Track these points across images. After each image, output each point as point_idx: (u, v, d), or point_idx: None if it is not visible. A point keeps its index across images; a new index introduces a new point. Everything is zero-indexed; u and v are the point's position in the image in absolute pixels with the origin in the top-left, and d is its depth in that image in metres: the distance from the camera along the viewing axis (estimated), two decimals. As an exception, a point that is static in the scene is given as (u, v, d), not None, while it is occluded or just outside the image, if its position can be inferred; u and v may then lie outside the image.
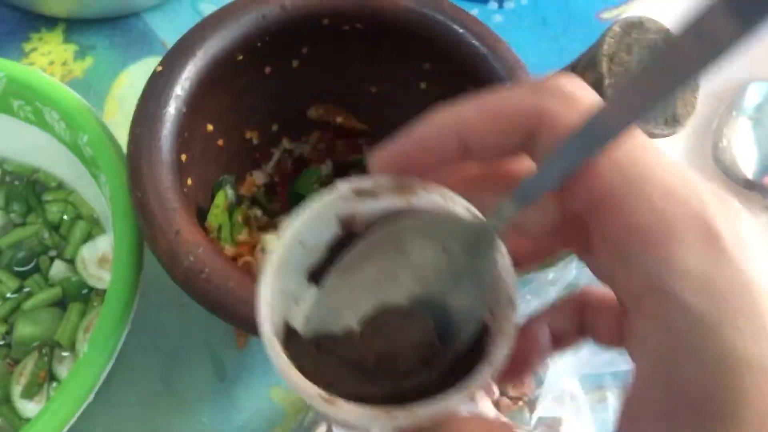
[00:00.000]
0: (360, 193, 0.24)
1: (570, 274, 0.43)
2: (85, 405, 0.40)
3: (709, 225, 0.18)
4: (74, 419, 0.40)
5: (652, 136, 0.25)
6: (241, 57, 0.45)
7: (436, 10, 0.45)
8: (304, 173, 0.52)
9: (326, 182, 0.53)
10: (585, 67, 0.26)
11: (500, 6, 0.70)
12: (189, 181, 0.44)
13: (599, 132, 0.18)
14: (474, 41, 0.44)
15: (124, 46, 0.67)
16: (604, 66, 0.25)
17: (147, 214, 0.37)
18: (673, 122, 0.26)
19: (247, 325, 0.35)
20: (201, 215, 0.45)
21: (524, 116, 0.21)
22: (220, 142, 0.48)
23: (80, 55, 0.67)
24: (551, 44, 0.70)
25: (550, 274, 0.44)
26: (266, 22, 0.44)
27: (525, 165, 0.23)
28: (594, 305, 0.25)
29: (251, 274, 0.44)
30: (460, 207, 0.24)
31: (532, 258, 0.25)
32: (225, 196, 0.46)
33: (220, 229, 0.45)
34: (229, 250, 0.46)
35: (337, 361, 0.23)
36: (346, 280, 0.24)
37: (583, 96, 0.21)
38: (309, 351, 0.24)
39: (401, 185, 0.24)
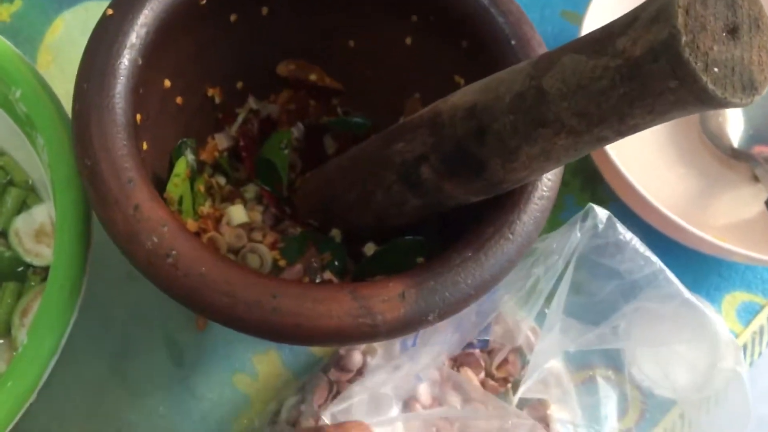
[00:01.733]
0: None
1: (575, 238, 0.39)
2: (25, 407, 0.34)
3: None
4: (12, 424, 0.34)
5: (727, 105, 0.21)
6: (204, 1, 0.38)
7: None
8: (272, 137, 0.47)
9: (297, 146, 0.48)
10: (650, 21, 0.22)
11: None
12: (144, 146, 0.38)
13: None
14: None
15: (58, -13, 0.59)
16: (680, 19, 0.21)
17: (99, 187, 0.31)
18: (751, 89, 0.22)
19: (225, 319, 0.30)
20: (158, 185, 0.39)
21: None
22: (179, 99, 0.42)
23: (6, -4, 0.58)
24: None
25: (554, 243, 0.40)
26: (234, -39, 0.38)
27: None
28: None
29: (222, 254, 0.39)
30: None
31: None
32: (186, 162, 0.41)
33: (180, 201, 0.40)
34: (191, 224, 0.40)
35: None
36: None
37: None
38: None
39: None
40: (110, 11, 0.35)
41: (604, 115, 0.25)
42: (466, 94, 0.31)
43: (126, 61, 0.34)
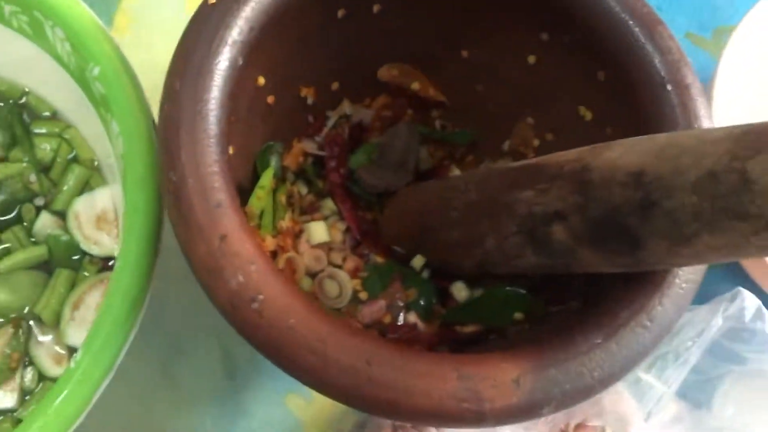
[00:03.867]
0: None
1: (715, 324, 0.34)
2: (73, 429, 0.31)
3: None
4: (57, 448, 0.31)
5: None
6: (312, -5, 0.34)
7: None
8: (362, 147, 0.42)
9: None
10: None
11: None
12: (231, 150, 0.33)
13: None
14: (624, 16, 0.34)
15: (144, -54, 0.54)
16: None
17: (183, 207, 0.27)
18: None
19: (313, 381, 0.26)
20: (240, 196, 0.35)
21: None
22: (270, 99, 0.37)
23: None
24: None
25: (690, 323, 0.34)
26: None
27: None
28: None
29: (315, 305, 0.34)
30: None
31: None
32: (273, 173, 0.36)
33: (261, 214, 0.35)
34: (269, 241, 0.36)
35: None
36: None
37: None
38: None
39: None
40: (213, -1, 0.30)
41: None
42: (629, 154, 0.26)
43: (226, 60, 0.30)
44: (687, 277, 0.29)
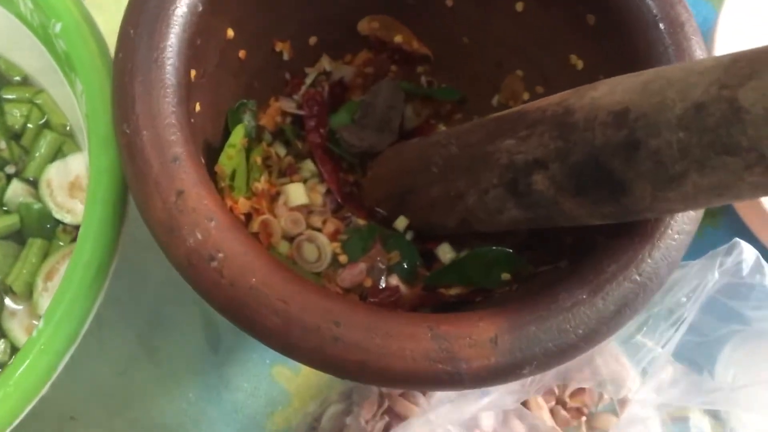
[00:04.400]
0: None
1: (711, 278, 0.32)
2: (33, 402, 0.30)
3: None
4: (18, 419, 0.29)
5: None
6: (284, -63, 0.32)
7: None
8: (343, 105, 0.40)
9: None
10: None
11: None
12: (197, 107, 0.32)
13: None
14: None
15: None
16: None
17: (137, 161, 0.25)
18: None
19: (276, 344, 0.25)
20: (210, 154, 0.33)
21: None
22: (242, 53, 0.35)
23: None
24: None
25: (684, 279, 0.32)
26: None
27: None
28: None
29: (279, 262, 0.32)
30: None
31: None
32: (244, 130, 0.34)
33: (233, 175, 0.34)
34: (242, 203, 0.34)
35: None
36: None
37: None
38: None
39: None
40: (169, -59, 0.28)
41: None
42: (613, 92, 0.24)
43: (184, 5, 0.28)
44: (680, 227, 0.27)
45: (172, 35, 0.27)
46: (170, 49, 0.27)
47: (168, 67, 0.27)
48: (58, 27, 0.35)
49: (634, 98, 0.23)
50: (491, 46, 0.39)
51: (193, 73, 0.30)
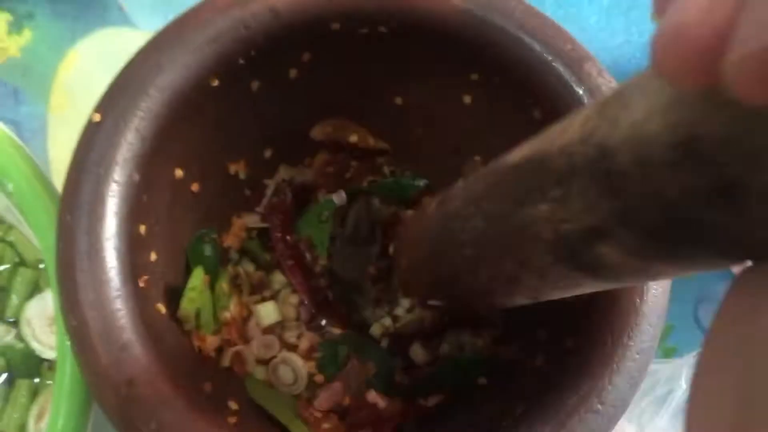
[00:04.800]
0: None
1: (679, 388, 0.31)
2: None
3: None
4: None
5: None
6: (216, 82, 0.32)
7: (497, 11, 0.31)
8: (310, 209, 0.40)
9: (342, 216, 0.40)
10: None
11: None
12: (153, 256, 0.32)
13: None
14: (548, 56, 0.31)
15: (71, 15, 0.52)
16: None
17: (86, 353, 0.26)
18: None
19: None
20: (172, 297, 0.33)
21: None
22: (195, 187, 0.35)
23: (15, 27, 0.52)
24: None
25: (664, 374, 0.31)
26: (251, 34, 0.31)
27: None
28: None
29: None
30: None
31: None
32: (204, 269, 0.34)
33: (198, 315, 0.34)
34: (211, 341, 0.34)
35: None
36: None
37: None
38: None
39: None
40: (97, 116, 0.28)
41: None
42: (658, 111, 0.16)
43: (118, 179, 0.28)
44: (639, 347, 0.27)
45: (108, 215, 0.27)
46: (109, 230, 0.27)
47: (109, 251, 0.27)
48: (10, 187, 0.35)
49: (697, 115, 0.15)
50: (446, 135, 0.39)
51: (142, 228, 0.30)
